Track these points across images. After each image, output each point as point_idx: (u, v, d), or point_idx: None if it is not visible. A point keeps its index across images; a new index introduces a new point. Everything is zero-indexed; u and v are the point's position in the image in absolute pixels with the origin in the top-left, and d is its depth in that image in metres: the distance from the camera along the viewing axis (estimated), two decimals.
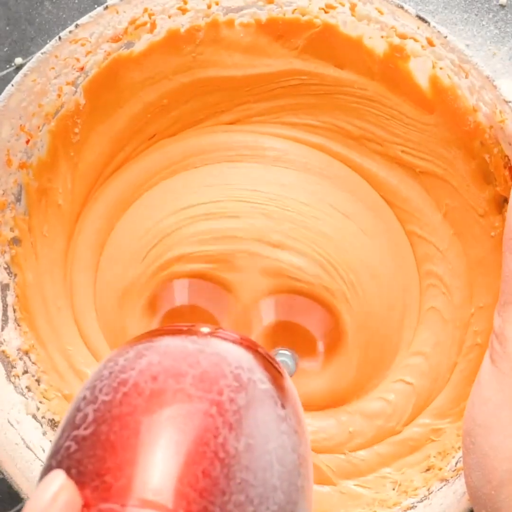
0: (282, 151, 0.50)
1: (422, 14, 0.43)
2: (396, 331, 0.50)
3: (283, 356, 0.47)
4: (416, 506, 0.47)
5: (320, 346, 0.50)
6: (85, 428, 0.28)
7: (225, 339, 0.32)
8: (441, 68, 0.44)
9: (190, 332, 0.32)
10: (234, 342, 0.32)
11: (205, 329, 0.33)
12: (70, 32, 0.44)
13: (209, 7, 0.46)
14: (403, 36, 0.44)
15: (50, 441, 0.48)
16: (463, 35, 0.55)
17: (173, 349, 0.30)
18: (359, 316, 0.48)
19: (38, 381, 0.50)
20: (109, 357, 0.31)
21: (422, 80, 0.46)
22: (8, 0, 0.56)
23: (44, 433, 0.48)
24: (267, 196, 0.48)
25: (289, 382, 0.33)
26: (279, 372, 0.33)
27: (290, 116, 0.50)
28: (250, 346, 0.33)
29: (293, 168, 0.50)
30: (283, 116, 0.50)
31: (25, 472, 0.45)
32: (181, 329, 0.33)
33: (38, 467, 0.46)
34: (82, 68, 0.46)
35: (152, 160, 0.51)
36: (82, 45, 0.45)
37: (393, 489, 0.49)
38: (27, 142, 0.47)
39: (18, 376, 0.49)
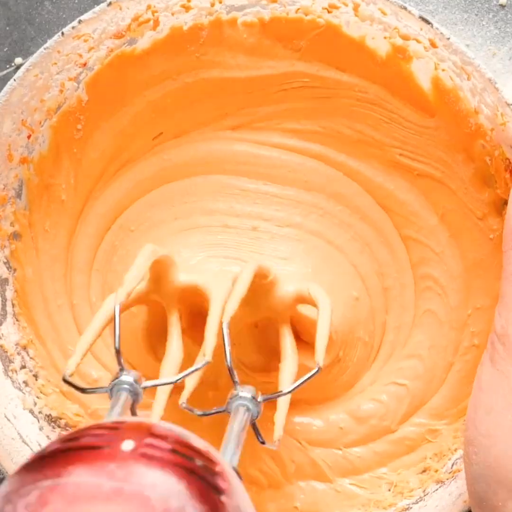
0: (283, 167, 0.51)
1: (424, 15, 0.43)
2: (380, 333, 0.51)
3: (243, 400, 0.38)
4: (411, 507, 0.47)
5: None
6: None
7: (151, 461, 0.26)
8: (443, 70, 0.44)
9: (108, 456, 0.26)
10: (163, 466, 0.26)
11: (128, 445, 0.26)
12: (73, 27, 0.44)
13: (212, 5, 0.46)
14: (406, 37, 0.44)
15: (47, 436, 0.48)
16: (463, 35, 0.55)
17: (84, 491, 0.24)
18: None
19: (35, 376, 0.50)
20: (5, 493, 0.25)
21: (424, 81, 0.46)
22: (8, 0, 0.56)
23: (41, 428, 0.48)
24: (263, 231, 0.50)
25: (236, 499, 0.27)
26: (221, 490, 0.27)
27: (291, 121, 0.50)
28: (184, 464, 0.26)
29: (293, 185, 0.51)
30: (284, 121, 0.50)
31: None
32: (100, 451, 0.26)
33: None
34: (84, 64, 0.46)
35: (155, 163, 0.51)
36: (85, 41, 0.45)
37: (389, 490, 0.49)
38: (29, 137, 0.47)
39: (16, 371, 0.49)
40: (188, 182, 0.51)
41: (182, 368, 0.45)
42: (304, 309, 0.47)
